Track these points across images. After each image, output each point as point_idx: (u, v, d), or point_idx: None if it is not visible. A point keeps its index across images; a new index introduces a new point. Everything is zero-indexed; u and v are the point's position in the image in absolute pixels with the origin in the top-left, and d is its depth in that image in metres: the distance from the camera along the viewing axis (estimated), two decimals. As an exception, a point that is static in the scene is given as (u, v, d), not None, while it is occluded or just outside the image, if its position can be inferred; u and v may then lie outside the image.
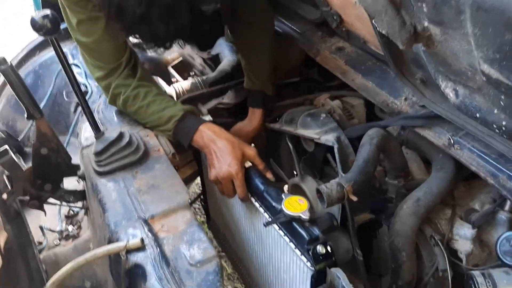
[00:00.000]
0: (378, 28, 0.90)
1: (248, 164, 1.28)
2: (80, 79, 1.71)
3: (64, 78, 1.78)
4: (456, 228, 1.14)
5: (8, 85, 1.21)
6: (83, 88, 1.61)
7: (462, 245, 1.12)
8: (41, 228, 1.74)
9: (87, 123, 1.30)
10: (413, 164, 1.30)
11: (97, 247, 1.12)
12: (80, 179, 1.45)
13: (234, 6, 1.51)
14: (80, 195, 1.53)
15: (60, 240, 1.74)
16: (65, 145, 1.55)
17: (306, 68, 1.82)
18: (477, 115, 0.94)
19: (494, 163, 1.04)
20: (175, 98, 1.65)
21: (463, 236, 1.12)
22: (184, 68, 2.02)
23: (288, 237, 1.10)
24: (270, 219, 1.14)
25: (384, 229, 1.22)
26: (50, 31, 1.11)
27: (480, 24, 0.73)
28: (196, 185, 2.49)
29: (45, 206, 1.49)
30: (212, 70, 1.89)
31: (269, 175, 1.27)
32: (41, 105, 1.44)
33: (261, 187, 1.21)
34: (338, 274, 1.00)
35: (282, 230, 1.12)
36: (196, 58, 2.03)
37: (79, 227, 1.79)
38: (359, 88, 1.43)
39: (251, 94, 1.60)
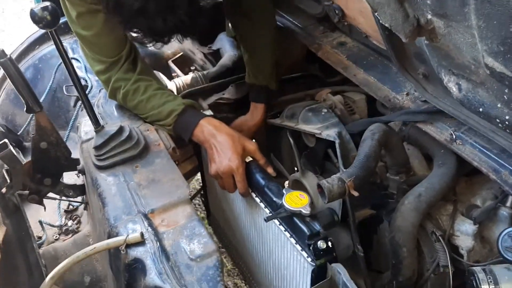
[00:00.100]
0: (380, 21, 0.89)
1: (248, 159, 1.27)
2: (80, 73, 1.70)
3: (64, 73, 1.78)
4: (457, 224, 1.13)
5: (8, 78, 1.20)
6: (83, 82, 1.60)
7: (463, 241, 1.12)
8: (41, 222, 1.74)
9: (87, 117, 1.30)
10: (415, 160, 1.29)
11: (97, 242, 1.11)
12: (80, 174, 1.44)
13: (236, 0, 1.50)
14: (79, 190, 1.53)
15: (59, 234, 1.74)
16: (64, 139, 1.54)
17: (307, 63, 1.82)
18: (480, 109, 0.93)
19: (496, 158, 1.03)
20: (175, 93, 1.64)
21: (465, 232, 1.12)
22: (184, 63, 2.01)
23: (289, 232, 1.09)
24: (270, 214, 1.14)
25: (385, 224, 1.21)
26: (50, 24, 1.10)
27: (484, 16, 0.72)
28: (196, 181, 2.48)
29: (45, 201, 1.48)
30: (213, 65, 1.89)
31: (270, 170, 1.26)
32: (41, 100, 1.43)
33: (262, 182, 1.21)
34: (338, 270, 1.00)
35: (283, 225, 1.11)
36: (197, 53, 2.02)
37: (79, 222, 1.79)
38: (361, 83, 1.43)
39: (253, 89, 1.59)
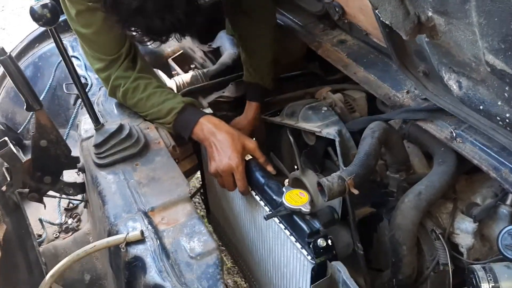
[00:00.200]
0: (381, 18, 0.89)
1: (248, 157, 1.27)
2: (80, 71, 1.70)
3: (64, 71, 1.78)
4: (457, 222, 1.13)
5: (8, 76, 1.20)
6: (83, 80, 1.60)
7: (463, 239, 1.12)
8: (41, 220, 1.73)
9: (87, 115, 1.29)
10: (415, 158, 1.29)
11: (97, 240, 1.11)
12: (80, 172, 1.44)
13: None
14: (79, 188, 1.53)
15: (59, 232, 1.74)
16: (64, 137, 1.54)
17: (307, 61, 1.81)
18: (481, 107, 0.93)
19: (497, 156, 1.03)
20: (175, 91, 1.64)
21: (464, 230, 1.12)
22: (184, 61, 2.01)
23: (289, 230, 1.09)
24: (270, 212, 1.14)
25: (385, 223, 1.21)
26: (50, 22, 1.10)
27: (485, 14, 0.72)
28: (196, 179, 2.48)
29: (45, 199, 1.48)
30: (213, 63, 1.88)
31: (269, 168, 1.26)
32: (41, 98, 1.43)
33: (262, 180, 1.20)
34: (338, 268, 1.00)
35: (283, 223, 1.11)
36: (197, 51, 2.02)
37: (79, 220, 1.79)
38: (361, 81, 1.42)
39: (249, 87, 1.59)
